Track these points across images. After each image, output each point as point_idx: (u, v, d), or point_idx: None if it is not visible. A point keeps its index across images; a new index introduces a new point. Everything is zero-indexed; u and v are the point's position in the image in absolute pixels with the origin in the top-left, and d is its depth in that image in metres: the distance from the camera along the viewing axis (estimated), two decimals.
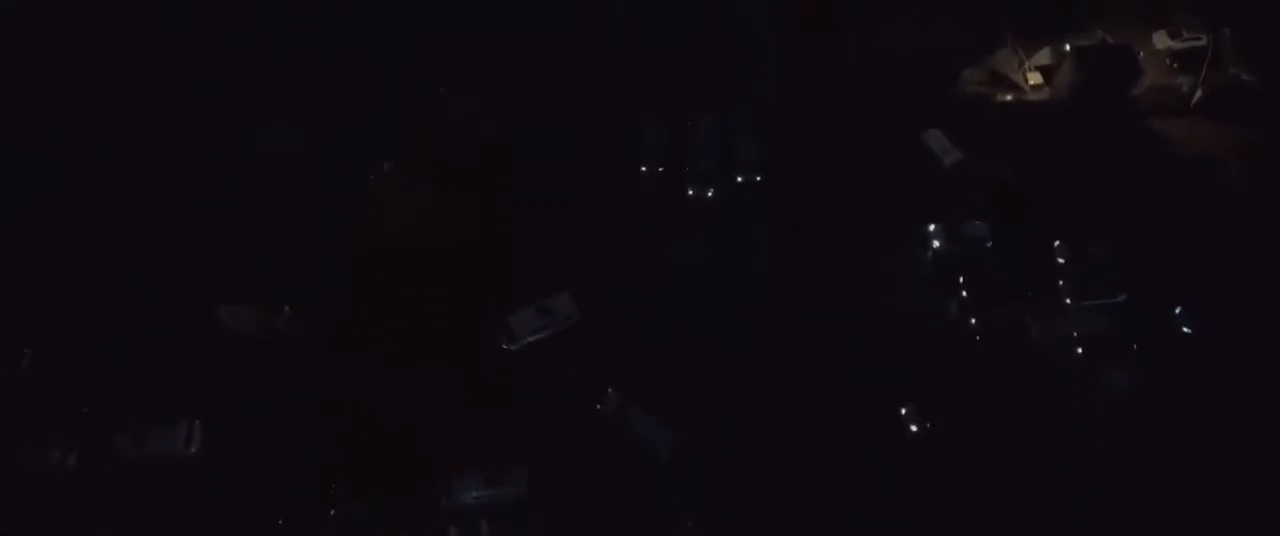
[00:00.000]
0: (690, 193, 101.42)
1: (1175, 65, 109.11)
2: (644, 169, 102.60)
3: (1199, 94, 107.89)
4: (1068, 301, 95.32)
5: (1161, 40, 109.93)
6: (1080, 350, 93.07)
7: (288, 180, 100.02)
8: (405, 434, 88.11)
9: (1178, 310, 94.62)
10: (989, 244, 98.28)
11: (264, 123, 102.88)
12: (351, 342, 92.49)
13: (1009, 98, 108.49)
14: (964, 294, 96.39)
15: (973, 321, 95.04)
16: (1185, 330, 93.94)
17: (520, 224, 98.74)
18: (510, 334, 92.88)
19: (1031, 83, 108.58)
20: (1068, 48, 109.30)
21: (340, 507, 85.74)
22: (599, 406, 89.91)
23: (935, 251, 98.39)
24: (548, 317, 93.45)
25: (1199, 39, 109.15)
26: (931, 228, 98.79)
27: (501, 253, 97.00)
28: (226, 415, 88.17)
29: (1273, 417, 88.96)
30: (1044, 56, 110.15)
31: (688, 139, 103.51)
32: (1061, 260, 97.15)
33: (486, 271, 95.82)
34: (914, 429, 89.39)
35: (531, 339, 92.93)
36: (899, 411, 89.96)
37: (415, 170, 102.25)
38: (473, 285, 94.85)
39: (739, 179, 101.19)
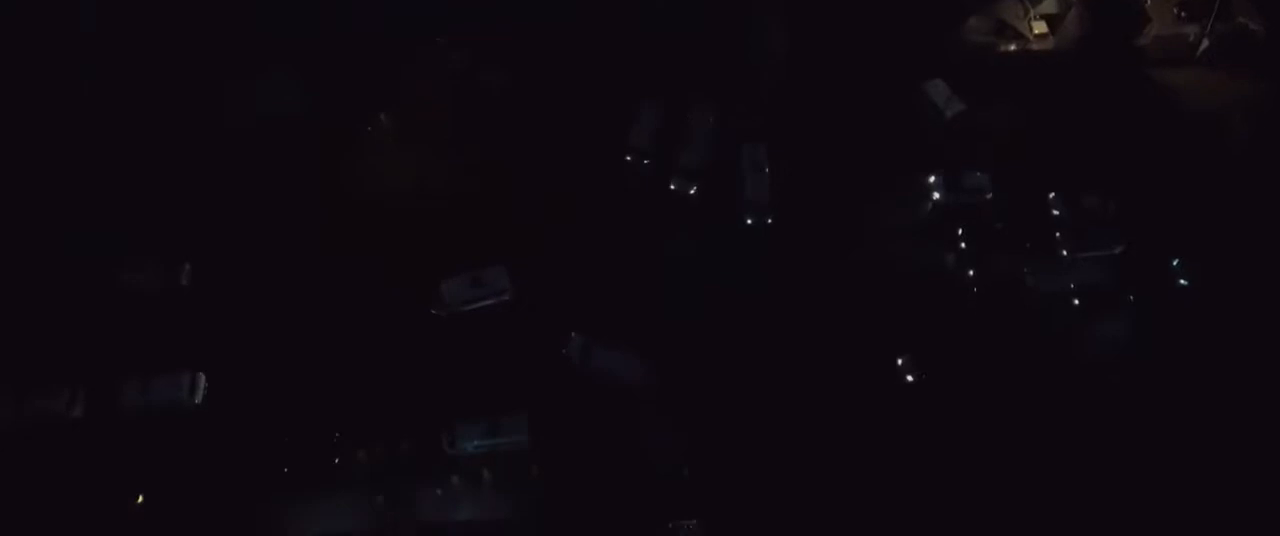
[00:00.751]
0: (671, 187, 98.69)
1: (1181, 14, 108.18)
2: (629, 159, 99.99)
3: (1205, 43, 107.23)
4: (1066, 253, 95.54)
5: None
6: (1078, 301, 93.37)
7: (283, 132, 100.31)
8: (406, 385, 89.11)
9: (1176, 262, 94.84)
10: (990, 195, 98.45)
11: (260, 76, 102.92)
12: (349, 300, 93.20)
13: (1013, 47, 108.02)
14: (963, 244, 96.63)
15: (971, 272, 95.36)
16: (1182, 283, 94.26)
17: (515, 196, 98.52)
18: (440, 300, 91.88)
19: (1036, 32, 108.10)
20: None
21: (343, 456, 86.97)
22: (564, 351, 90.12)
23: (935, 202, 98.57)
24: (479, 289, 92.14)
25: None
26: (932, 178, 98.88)
27: (496, 213, 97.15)
28: (227, 367, 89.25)
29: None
30: (1049, 5, 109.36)
31: (683, 133, 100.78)
32: (1060, 212, 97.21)
33: (479, 233, 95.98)
34: (910, 379, 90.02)
35: (463, 308, 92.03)
36: (896, 361, 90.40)
37: (410, 126, 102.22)
38: (467, 247, 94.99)
39: (749, 221, 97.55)
